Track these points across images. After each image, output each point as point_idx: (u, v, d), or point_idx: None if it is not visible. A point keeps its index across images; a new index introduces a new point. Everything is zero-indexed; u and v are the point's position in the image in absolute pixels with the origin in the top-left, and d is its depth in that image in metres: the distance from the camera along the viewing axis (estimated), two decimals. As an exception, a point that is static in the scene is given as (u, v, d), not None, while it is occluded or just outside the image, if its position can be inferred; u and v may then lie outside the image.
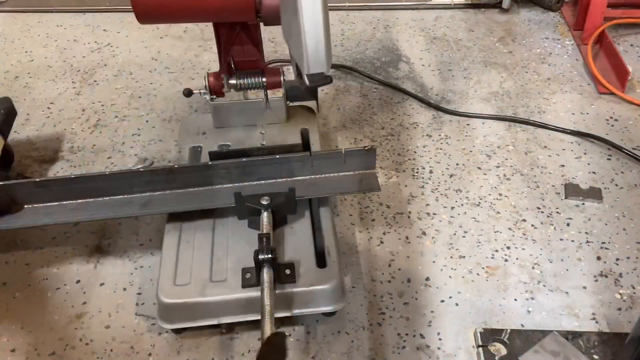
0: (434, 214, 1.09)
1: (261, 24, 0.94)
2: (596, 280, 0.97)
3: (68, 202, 0.96)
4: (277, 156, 0.97)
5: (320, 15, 0.67)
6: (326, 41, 0.69)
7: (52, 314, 0.94)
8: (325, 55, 0.70)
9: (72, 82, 1.47)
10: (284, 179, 0.98)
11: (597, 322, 0.90)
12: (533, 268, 0.99)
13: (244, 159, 0.97)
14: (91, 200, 0.96)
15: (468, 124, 1.30)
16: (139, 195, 0.96)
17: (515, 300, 0.94)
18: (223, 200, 0.95)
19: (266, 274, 0.82)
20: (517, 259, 1.00)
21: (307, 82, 0.72)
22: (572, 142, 1.24)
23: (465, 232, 1.05)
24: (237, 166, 0.96)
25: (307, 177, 0.98)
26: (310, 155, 0.97)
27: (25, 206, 0.95)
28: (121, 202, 0.96)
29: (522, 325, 0.90)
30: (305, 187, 0.97)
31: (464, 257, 1.01)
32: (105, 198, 0.96)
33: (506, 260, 1.00)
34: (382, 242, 1.04)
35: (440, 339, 0.89)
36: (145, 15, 0.88)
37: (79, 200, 0.96)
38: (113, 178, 0.95)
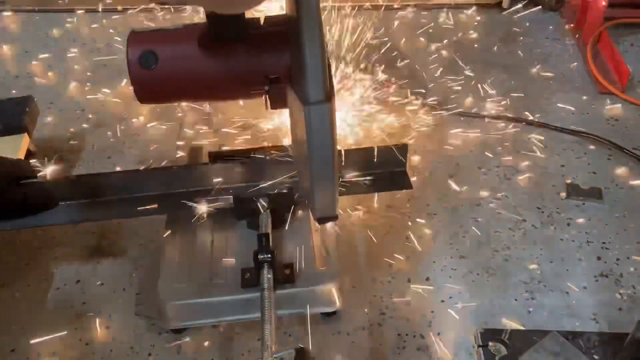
0: (434, 214, 1.09)
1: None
2: (596, 280, 0.97)
3: (102, 199, 0.95)
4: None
5: (331, 171, 0.69)
6: (335, 191, 0.71)
7: (52, 314, 0.94)
8: (333, 204, 0.72)
9: (72, 82, 1.47)
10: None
11: (597, 322, 0.90)
12: (533, 268, 0.99)
13: (245, 159, 0.97)
14: (128, 196, 0.95)
15: (468, 124, 1.30)
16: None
17: (516, 300, 0.94)
18: (222, 201, 0.95)
19: (266, 274, 0.82)
20: (517, 259, 1.00)
21: (315, 222, 0.78)
22: (572, 142, 1.24)
23: (466, 232, 1.05)
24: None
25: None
26: (342, 153, 0.96)
27: (60, 203, 0.95)
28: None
29: (522, 325, 0.90)
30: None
31: (464, 257, 1.01)
32: (139, 194, 0.95)
33: (506, 260, 1.00)
34: (382, 242, 1.04)
35: (440, 339, 0.89)
36: (148, 100, 0.87)
37: (112, 197, 0.95)
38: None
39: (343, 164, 0.96)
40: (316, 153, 0.67)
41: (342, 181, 0.96)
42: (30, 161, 1.07)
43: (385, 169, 0.98)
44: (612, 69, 1.42)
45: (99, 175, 0.93)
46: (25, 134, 1.09)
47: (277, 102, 0.82)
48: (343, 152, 0.95)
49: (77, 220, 0.95)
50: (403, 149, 0.96)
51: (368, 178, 0.97)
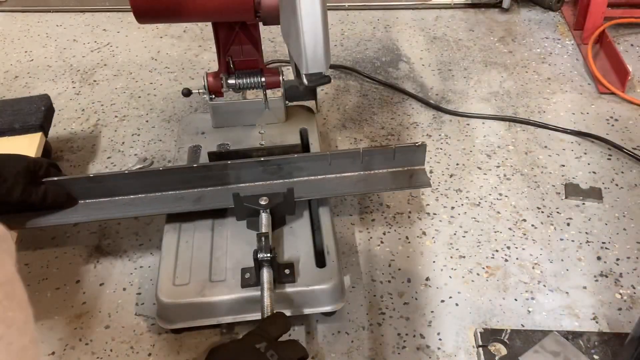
0: (434, 214, 1.09)
1: (260, 24, 0.94)
2: (596, 280, 0.97)
3: (120, 197, 0.96)
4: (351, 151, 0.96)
5: (319, 15, 0.67)
6: (325, 41, 0.69)
7: (52, 314, 0.94)
8: (324, 55, 0.70)
9: (72, 82, 1.47)
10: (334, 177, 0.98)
11: (597, 322, 0.90)
12: (533, 268, 0.99)
13: (245, 159, 0.97)
14: (143, 195, 0.96)
15: (468, 124, 1.30)
16: (191, 190, 0.96)
17: (515, 300, 0.94)
18: (221, 201, 0.95)
19: (265, 274, 0.82)
20: (517, 259, 1.00)
21: (305, 81, 0.72)
22: (572, 142, 1.24)
23: (466, 232, 1.05)
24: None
25: (358, 172, 0.98)
26: (361, 152, 0.96)
27: (80, 201, 0.95)
28: (174, 198, 0.96)
29: (522, 325, 0.90)
30: (355, 183, 0.97)
31: (464, 257, 1.01)
32: (157, 194, 0.96)
33: (506, 260, 1.00)
34: (382, 242, 1.04)
35: (440, 339, 0.89)
36: (144, 15, 0.88)
37: (132, 196, 0.96)
38: (166, 174, 0.95)
39: (362, 162, 0.97)
40: (305, 6, 0.66)
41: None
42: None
43: (403, 167, 0.99)
44: (612, 69, 1.43)
45: (117, 175, 0.94)
46: (41, 133, 1.10)
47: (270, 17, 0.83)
48: (362, 151, 0.96)
49: (97, 219, 0.96)
50: (422, 147, 0.97)
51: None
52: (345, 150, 0.98)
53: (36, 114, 1.12)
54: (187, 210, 0.94)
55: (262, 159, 0.95)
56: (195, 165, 0.96)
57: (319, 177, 0.98)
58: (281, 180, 0.97)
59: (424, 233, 1.05)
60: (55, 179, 0.93)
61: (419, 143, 0.97)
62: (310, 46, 0.69)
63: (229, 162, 0.95)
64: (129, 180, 0.94)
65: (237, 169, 0.96)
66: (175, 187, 0.96)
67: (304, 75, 0.72)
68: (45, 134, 1.12)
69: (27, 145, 1.07)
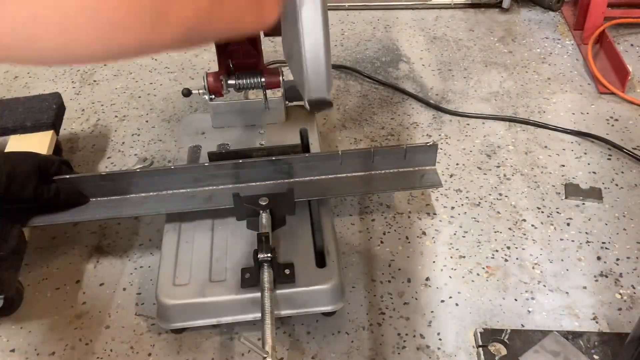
0: (434, 214, 1.09)
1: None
2: (596, 280, 0.97)
3: (132, 195, 0.96)
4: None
5: (322, 41, 0.67)
6: (327, 67, 0.70)
7: (52, 314, 0.94)
8: (326, 81, 0.70)
9: (72, 82, 1.47)
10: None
11: (597, 322, 0.90)
12: (533, 268, 0.99)
13: (244, 159, 0.97)
14: (154, 194, 0.96)
15: (468, 124, 1.30)
16: (202, 189, 0.96)
17: (515, 300, 0.94)
18: (221, 201, 0.95)
19: (266, 274, 0.82)
20: (517, 259, 1.00)
21: (307, 107, 0.73)
22: (572, 142, 1.24)
23: (465, 232, 1.05)
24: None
25: (368, 172, 0.98)
26: (372, 151, 0.96)
27: (91, 199, 0.95)
28: (186, 196, 0.96)
29: (522, 325, 0.90)
30: (365, 183, 0.97)
31: (464, 257, 1.01)
32: (168, 192, 0.96)
33: (506, 260, 1.00)
34: (382, 242, 1.04)
35: (440, 339, 0.89)
36: None
37: (143, 194, 0.96)
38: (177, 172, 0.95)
39: (373, 161, 0.97)
40: (307, 31, 0.66)
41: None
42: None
43: (414, 167, 0.99)
44: (612, 69, 1.43)
45: (129, 173, 0.94)
46: (53, 131, 1.10)
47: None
48: (373, 150, 0.96)
49: (109, 217, 0.96)
50: (433, 147, 0.97)
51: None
52: (356, 150, 0.97)
53: (47, 112, 1.12)
54: (199, 209, 0.94)
55: (274, 158, 0.95)
56: (206, 164, 0.95)
57: (329, 176, 0.98)
58: (291, 180, 0.97)
59: (424, 233, 1.05)
60: (67, 176, 0.93)
61: (431, 143, 0.97)
62: (313, 74, 0.69)
63: (241, 160, 0.95)
64: (141, 178, 0.95)
65: (249, 168, 0.96)
66: (186, 186, 0.96)
67: (306, 101, 0.73)
68: (57, 132, 1.12)
69: (38, 143, 1.07)
